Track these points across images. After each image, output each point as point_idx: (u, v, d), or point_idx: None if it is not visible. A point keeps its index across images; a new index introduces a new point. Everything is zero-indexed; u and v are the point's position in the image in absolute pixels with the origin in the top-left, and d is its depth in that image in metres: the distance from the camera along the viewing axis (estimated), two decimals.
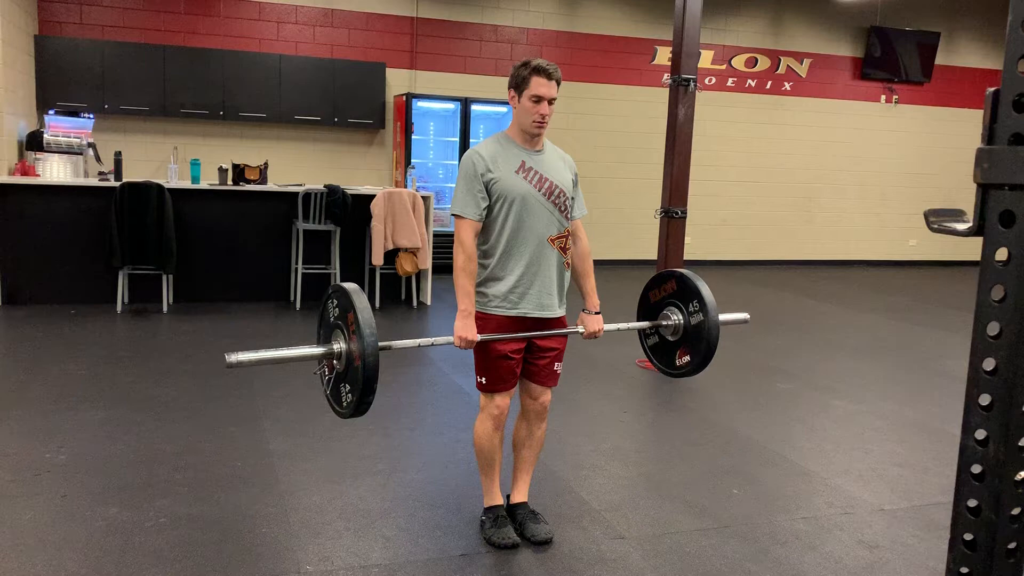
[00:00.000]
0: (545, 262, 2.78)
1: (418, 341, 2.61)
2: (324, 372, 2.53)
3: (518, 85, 2.74)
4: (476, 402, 4.50)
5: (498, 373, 2.80)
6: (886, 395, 5.14)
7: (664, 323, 3.01)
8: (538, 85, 2.70)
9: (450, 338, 2.64)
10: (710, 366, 2.99)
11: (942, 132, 11.66)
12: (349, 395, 2.41)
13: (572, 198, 2.86)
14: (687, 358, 2.97)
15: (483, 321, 2.77)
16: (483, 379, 2.83)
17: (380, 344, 2.33)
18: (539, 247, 2.77)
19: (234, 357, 2.25)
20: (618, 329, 2.99)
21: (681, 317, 2.97)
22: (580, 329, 2.90)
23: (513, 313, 2.77)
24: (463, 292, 2.68)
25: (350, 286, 2.40)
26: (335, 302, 2.46)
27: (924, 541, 3.04)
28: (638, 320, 3.12)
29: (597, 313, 2.93)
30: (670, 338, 3.03)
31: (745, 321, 3.13)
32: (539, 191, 2.75)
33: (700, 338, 2.91)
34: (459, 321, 2.66)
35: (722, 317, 2.91)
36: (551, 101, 2.73)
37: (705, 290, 2.90)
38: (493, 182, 2.71)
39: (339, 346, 2.42)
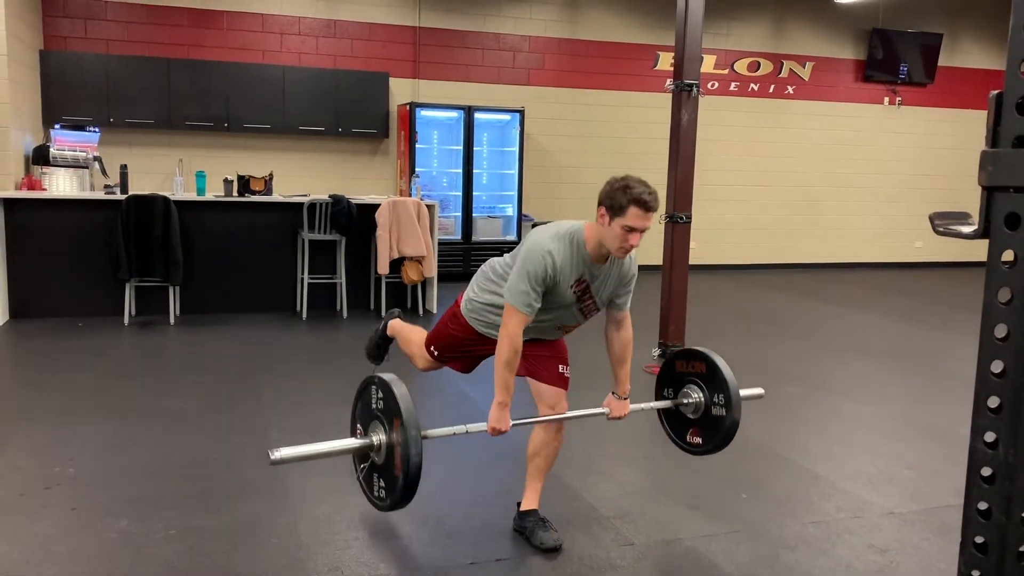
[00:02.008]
0: (545, 336, 2.90)
1: (453, 429, 2.66)
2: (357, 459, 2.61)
3: (612, 208, 2.57)
4: (483, 409, 4.50)
5: (453, 357, 3.09)
6: (895, 397, 5.13)
7: (685, 401, 3.10)
8: (635, 217, 2.55)
9: (483, 425, 2.70)
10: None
11: (946, 133, 11.64)
12: (383, 491, 2.48)
13: (614, 300, 2.87)
14: (699, 440, 3.10)
15: (458, 323, 2.97)
16: (435, 350, 3.10)
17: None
18: (547, 328, 2.84)
19: (277, 454, 2.35)
20: (642, 409, 3.10)
21: (702, 397, 3.05)
22: (605, 411, 2.98)
23: (486, 334, 2.92)
24: (503, 384, 2.68)
25: (398, 390, 2.44)
26: (379, 394, 2.50)
27: (935, 544, 3.03)
28: (658, 386, 3.23)
29: (625, 399, 2.99)
30: (688, 415, 3.11)
31: (760, 396, 3.22)
32: (578, 302, 2.77)
33: (718, 431, 2.99)
34: (495, 411, 2.69)
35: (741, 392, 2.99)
36: (643, 231, 2.61)
37: (733, 387, 2.95)
38: (551, 288, 2.69)
39: (379, 439, 2.48)
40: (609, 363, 2.99)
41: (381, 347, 3.63)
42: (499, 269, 2.89)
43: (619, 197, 2.56)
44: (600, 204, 2.62)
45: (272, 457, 2.32)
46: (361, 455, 2.58)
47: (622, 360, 2.97)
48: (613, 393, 3.00)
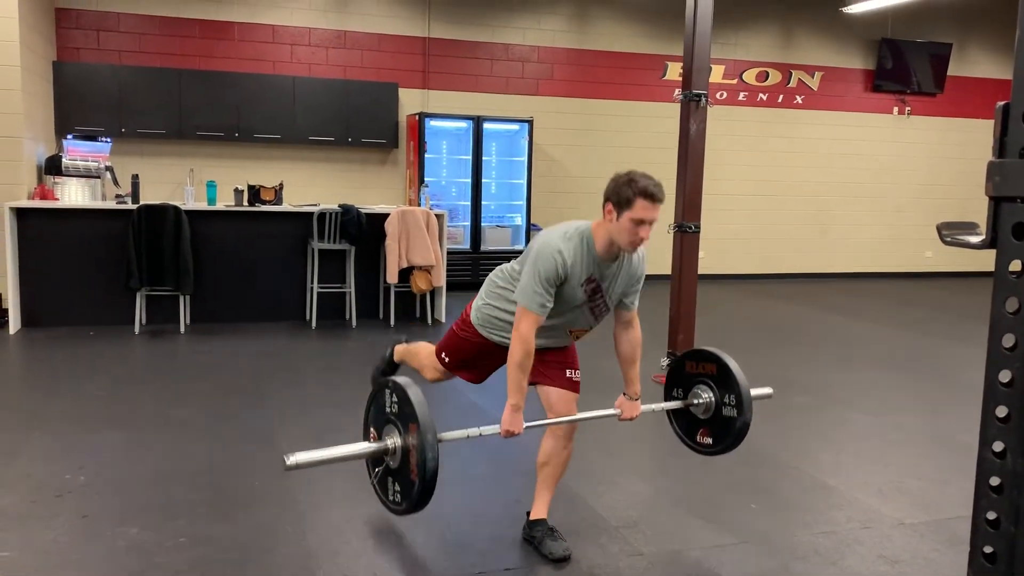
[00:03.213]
0: (556, 341, 2.88)
1: (467, 432, 2.67)
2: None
3: (619, 203, 2.59)
4: (491, 418, 4.50)
5: (463, 365, 3.04)
6: (904, 408, 5.11)
7: (696, 402, 3.09)
8: (642, 209, 2.56)
9: (497, 427, 2.70)
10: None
11: (956, 143, 11.61)
12: (398, 495, 2.47)
13: (622, 300, 2.88)
14: (709, 440, 3.09)
15: (469, 332, 2.95)
16: (446, 357, 3.05)
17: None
18: (558, 333, 2.83)
19: (292, 459, 2.35)
20: (652, 410, 3.09)
21: (713, 398, 3.04)
22: (616, 412, 2.97)
23: (498, 341, 2.89)
24: (516, 386, 2.68)
25: (414, 394, 2.43)
26: (395, 398, 2.50)
27: (945, 555, 3.01)
28: (667, 386, 3.22)
29: (637, 399, 2.98)
30: (699, 416, 3.10)
31: (768, 396, 3.22)
32: (589, 302, 2.77)
33: (728, 432, 2.99)
34: (508, 414, 2.69)
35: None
36: (652, 223, 2.61)
37: (744, 389, 2.95)
38: (561, 287, 2.69)
39: (393, 442, 2.47)
40: (619, 365, 2.99)
41: (387, 375, 3.48)
42: (506, 274, 2.89)
43: (625, 191, 2.58)
44: (607, 200, 2.64)
45: (287, 462, 2.32)
46: (375, 459, 2.57)
47: (632, 360, 2.96)
48: (624, 394, 2.99)
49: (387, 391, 2.54)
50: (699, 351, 3.15)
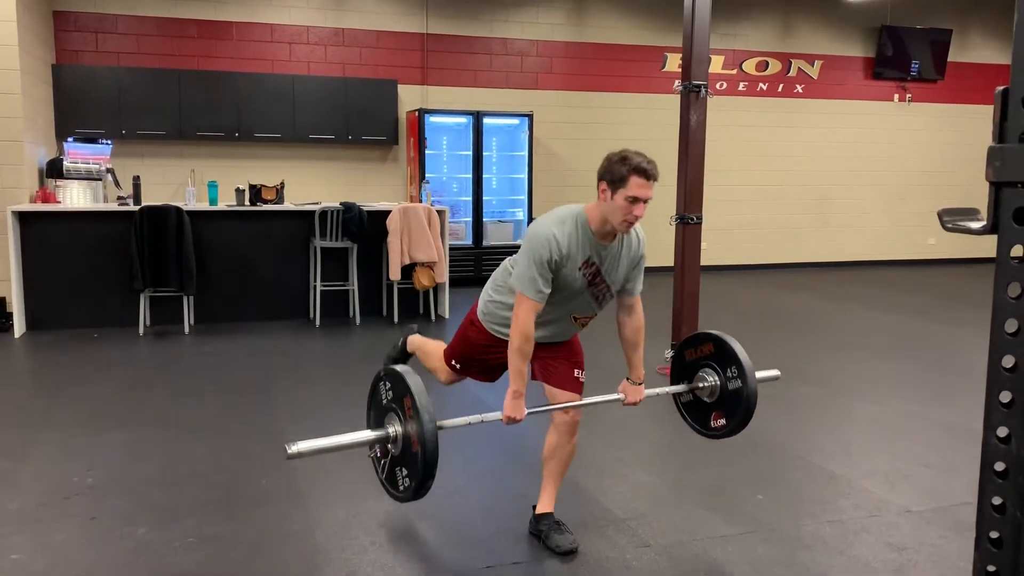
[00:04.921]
0: (561, 330, 2.87)
1: (468, 419, 2.65)
2: (377, 455, 2.56)
3: (613, 181, 2.59)
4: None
5: (470, 364, 3.06)
6: (910, 395, 5.10)
7: (700, 385, 3.06)
8: (637, 187, 2.57)
9: (499, 414, 2.69)
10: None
11: (957, 129, 11.57)
12: (407, 479, 2.44)
13: (624, 285, 2.86)
14: (723, 421, 3.05)
15: (476, 328, 2.95)
16: (456, 363, 3.10)
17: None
18: (562, 320, 2.82)
19: (294, 448, 2.31)
20: (657, 395, 3.06)
21: (717, 379, 3.02)
22: (620, 396, 2.95)
23: (504, 338, 2.85)
24: (516, 373, 2.68)
25: (403, 369, 2.45)
26: (388, 384, 2.49)
27: (953, 542, 3.02)
28: (672, 380, 3.19)
29: (640, 384, 2.97)
30: (706, 400, 3.07)
31: (776, 379, 3.19)
32: (589, 286, 2.76)
33: (738, 404, 2.96)
34: (509, 400, 2.68)
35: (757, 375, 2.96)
36: (646, 201, 2.61)
37: (743, 356, 2.93)
38: (558, 271, 2.68)
39: (394, 429, 2.45)
40: (622, 350, 2.98)
41: (398, 362, 3.47)
42: (510, 267, 2.89)
43: (619, 169, 2.58)
44: (600, 179, 2.64)
45: (289, 451, 2.28)
46: (381, 449, 2.53)
47: (635, 345, 2.95)
48: (627, 379, 2.98)
49: (381, 384, 2.53)
50: (694, 336, 3.15)
